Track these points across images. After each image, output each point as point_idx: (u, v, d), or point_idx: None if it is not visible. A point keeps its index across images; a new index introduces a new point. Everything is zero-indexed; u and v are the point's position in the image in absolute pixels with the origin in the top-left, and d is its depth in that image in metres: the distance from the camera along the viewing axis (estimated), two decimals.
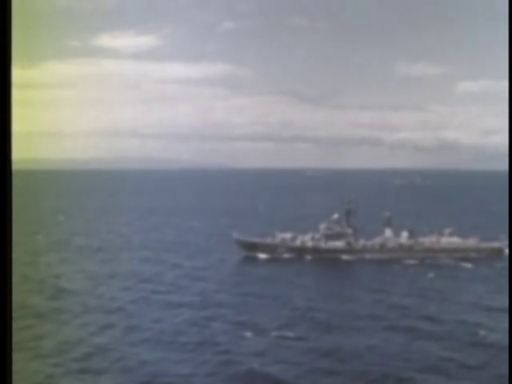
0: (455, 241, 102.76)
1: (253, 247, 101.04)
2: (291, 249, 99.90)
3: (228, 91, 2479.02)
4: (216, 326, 55.97)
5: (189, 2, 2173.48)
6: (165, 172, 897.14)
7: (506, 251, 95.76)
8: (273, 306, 64.24)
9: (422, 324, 57.09)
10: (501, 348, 47.59)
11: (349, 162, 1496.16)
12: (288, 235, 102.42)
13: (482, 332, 53.80)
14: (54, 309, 63.53)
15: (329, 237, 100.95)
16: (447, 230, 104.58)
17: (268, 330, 54.27)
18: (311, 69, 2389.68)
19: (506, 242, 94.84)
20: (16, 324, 56.02)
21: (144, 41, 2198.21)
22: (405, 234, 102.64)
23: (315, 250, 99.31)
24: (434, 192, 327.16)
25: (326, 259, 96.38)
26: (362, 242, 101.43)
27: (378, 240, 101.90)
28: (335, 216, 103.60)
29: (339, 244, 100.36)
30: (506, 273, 76.48)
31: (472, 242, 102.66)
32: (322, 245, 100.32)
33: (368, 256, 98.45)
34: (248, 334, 53.32)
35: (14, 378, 34.88)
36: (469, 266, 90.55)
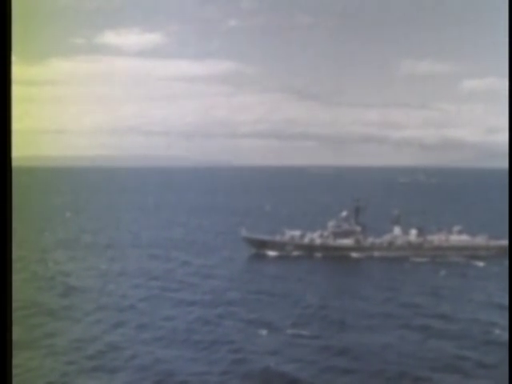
0: (464, 239, 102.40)
1: (261, 245, 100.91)
2: (300, 246, 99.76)
3: (233, 89, 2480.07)
4: (228, 324, 55.75)
5: None
6: (169, 169, 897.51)
7: None
8: (284, 304, 63.92)
9: (435, 322, 56.76)
10: None
11: (353, 159, 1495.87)
12: (297, 233, 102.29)
13: (497, 331, 53.47)
14: (65, 306, 63.36)
15: (337, 234, 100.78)
16: (456, 228, 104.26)
17: (281, 328, 53.99)
18: (316, 66, 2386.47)
19: None
20: (28, 322, 56.12)
21: (149, 38, 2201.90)
22: (413, 232, 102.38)
23: (324, 248, 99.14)
24: (439, 190, 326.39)
25: (335, 257, 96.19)
26: (370, 240, 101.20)
27: (386, 238, 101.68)
28: (344, 214, 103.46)
29: (348, 242, 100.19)
30: None
31: (481, 239, 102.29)
32: (331, 242, 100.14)
33: (377, 254, 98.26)
34: (261, 332, 53.03)
35: (30, 375, 34.72)
36: (481, 264, 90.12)
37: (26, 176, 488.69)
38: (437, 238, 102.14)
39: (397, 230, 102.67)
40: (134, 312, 61.01)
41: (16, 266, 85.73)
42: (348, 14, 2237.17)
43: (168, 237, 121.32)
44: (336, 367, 43.93)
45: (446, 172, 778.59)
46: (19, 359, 45.73)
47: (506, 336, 51.28)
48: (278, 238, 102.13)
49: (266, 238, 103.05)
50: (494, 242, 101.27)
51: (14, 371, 43.05)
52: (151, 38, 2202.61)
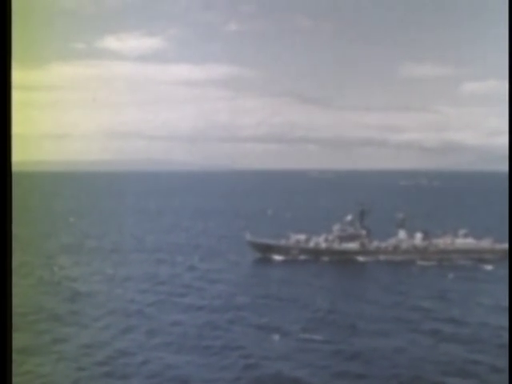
0: (470, 242, 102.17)
1: (266, 249, 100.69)
2: (305, 250, 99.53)
3: (233, 93, 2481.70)
4: (238, 329, 55.43)
5: (194, 3, 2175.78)
6: (171, 173, 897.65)
7: None
8: (293, 309, 63.58)
9: (445, 326, 56.40)
10: None
11: (354, 163, 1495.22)
12: (302, 236, 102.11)
13: (507, 335, 53.16)
14: (73, 311, 63.00)
15: (342, 238, 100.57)
16: (462, 231, 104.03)
17: (291, 333, 53.64)
18: (316, 70, 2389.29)
19: None
20: (36, 327, 55.88)
21: (149, 42, 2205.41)
22: (419, 236, 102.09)
23: (329, 252, 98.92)
24: (441, 193, 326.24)
25: (341, 261, 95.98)
26: (375, 244, 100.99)
27: (392, 241, 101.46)
28: (349, 217, 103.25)
29: (353, 245, 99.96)
30: None
31: (486, 243, 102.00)
32: (336, 246, 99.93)
33: (382, 257, 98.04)
34: (272, 337, 52.69)
35: (42, 381, 34.39)
36: (489, 267, 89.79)
37: (28, 181, 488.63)
38: (442, 242, 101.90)
39: (402, 234, 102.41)
40: (142, 317, 60.66)
41: (22, 270, 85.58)
42: (348, 18, 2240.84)
43: (172, 241, 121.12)
44: (349, 372, 43.58)
45: (447, 175, 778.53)
46: (29, 365, 45.53)
47: None
48: (283, 242, 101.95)
49: (270, 242, 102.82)
50: (499, 246, 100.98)
51: (25, 378, 42.89)
52: (152, 43, 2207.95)
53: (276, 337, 52.79)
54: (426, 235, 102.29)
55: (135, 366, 45.69)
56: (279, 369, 44.28)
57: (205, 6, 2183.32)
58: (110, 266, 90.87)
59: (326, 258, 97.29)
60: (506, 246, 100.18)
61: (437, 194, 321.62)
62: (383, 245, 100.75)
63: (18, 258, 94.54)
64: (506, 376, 43.04)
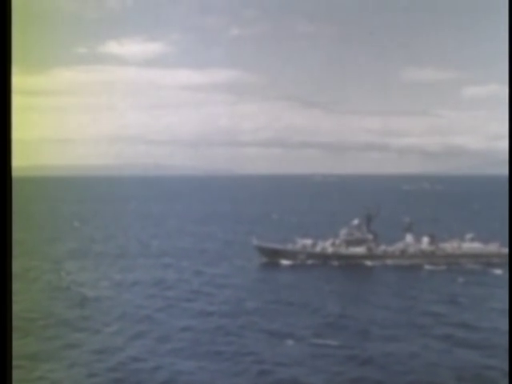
0: (477, 246, 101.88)
1: (273, 253, 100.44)
2: (312, 255, 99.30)
3: (235, 97, 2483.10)
4: (249, 335, 55.06)
5: (196, 8, 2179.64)
6: (173, 178, 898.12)
7: None
8: (304, 314, 63.19)
9: (458, 331, 56.05)
10: None
11: (357, 167, 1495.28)
12: (308, 241, 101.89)
13: None
14: (82, 317, 62.62)
15: (349, 242, 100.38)
16: (469, 236, 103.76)
17: (304, 338, 53.22)
18: (318, 74, 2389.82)
19: None
20: (46, 333, 55.62)
21: (152, 47, 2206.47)
22: (426, 240, 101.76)
23: (336, 256, 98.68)
24: (445, 197, 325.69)
25: (348, 265, 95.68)
26: (382, 248, 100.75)
27: (399, 246, 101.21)
28: (355, 222, 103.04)
29: (360, 250, 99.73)
30: None
31: (493, 247, 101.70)
32: (343, 251, 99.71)
33: (390, 262, 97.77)
34: (284, 343, 52.31)
35: None
36: (498, 271, 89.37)
37: (31, 185, 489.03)
38: (449, 246, 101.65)
39: (409, 238, 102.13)
40: (152, 322, 60.28)
41: (29, 275, 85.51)
42: (350, 22, 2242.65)
43: (178, 246, 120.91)
44: (365, 378, 43.16)
45: (450, 179, 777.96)
46: (41, 371, 45.27)
47: None
48: (289, 246, 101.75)
49: (277, 246, 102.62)
50: (506, 250, 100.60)
51: None
52: (153, 48, 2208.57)
53: (288, 342, 52.40)
54: (433, 239, 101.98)
55: (147, 372, 45.31)
56: (294, 374, 43.89)
57: (206, 11, 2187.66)
58: (117, 271, 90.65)
59: (333, 263, 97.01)
60: None
61: (440, 198, 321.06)
62: (390, 249, 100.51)
63: (25, 262, 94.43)
64: None
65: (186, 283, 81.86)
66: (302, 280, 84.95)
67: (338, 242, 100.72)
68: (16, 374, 45.58)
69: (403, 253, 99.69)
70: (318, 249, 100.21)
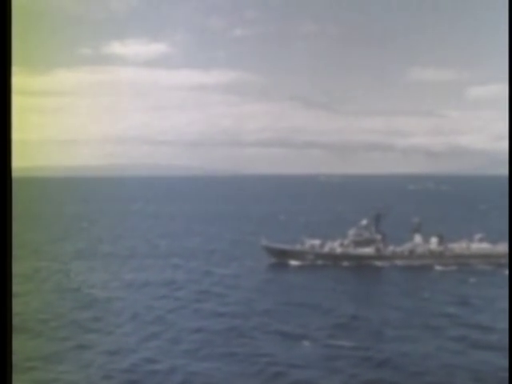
0: (485, 247, 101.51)
1: (282, 254, 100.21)
2: (320, 255, 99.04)
3: (239, 98, 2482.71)
4: (263, 336, 54.78)
5: (199, 9, 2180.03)
6: (177, 178, 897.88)
7: None
8: (315, 315, 62.88)
9: (472, 332, 55.79)
10: None
11: (361, 167, 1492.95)
12: (317, 242, 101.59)
13: None
14: (94, 318, 62.34)
15: (358, 243, 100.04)
16: (477, 236, 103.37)
17: (318, 339, 52.95)
18: (321, 75, 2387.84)
19: None
20: (58, 334, 55.43)
21: (155, 48, 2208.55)
22: (434, 240, 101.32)
23: (344, 257, 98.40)
24: (450, 197, 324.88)
25: (357, 266, 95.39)
26: (391, 248, 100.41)
27: (407, 246, 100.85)
28: (364, 222, 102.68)
29: (368, 250, 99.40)
30: None
31: (502, 247, 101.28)
32: (351, 251, 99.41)
33: (399, 262, 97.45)
34: (298, 344, 52.05)
35: None
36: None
37: (37, 186, 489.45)
38: (458, 246, 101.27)
39: (417, 238, 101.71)
40: (164, 323, 60.02)
41: (39, 276, 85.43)
42: (353, 23, 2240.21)
43: (186, 246, 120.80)
44: (381, 380, 42.84)
45: (455, 179, 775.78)
46: (55, 373, 45.06)
47: None
48: (298, 247, 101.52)
49: (286, 247, 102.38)
50: None
51: None
52: (157, 48, 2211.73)
53: (303, 343, 52.14)
54: (442, 240, 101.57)
55: (162, 374, 45.05)
56: (310, 376, 43.62)
57: (210, 11, 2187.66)
58: (126, 272, 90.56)
59: (342, 263, 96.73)
60: None
61: (446, 198, 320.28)
62: (399, 249, 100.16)
63: (33, 263, 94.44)
64: None
65: (196, 284, 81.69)
66: (312, 281, 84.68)
67: (346, 242, 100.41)
68: (30, 376, 45.60)
69: (412, 253, 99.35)
70: (326, 249, 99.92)
